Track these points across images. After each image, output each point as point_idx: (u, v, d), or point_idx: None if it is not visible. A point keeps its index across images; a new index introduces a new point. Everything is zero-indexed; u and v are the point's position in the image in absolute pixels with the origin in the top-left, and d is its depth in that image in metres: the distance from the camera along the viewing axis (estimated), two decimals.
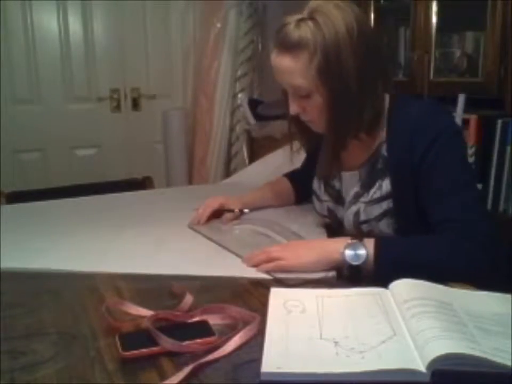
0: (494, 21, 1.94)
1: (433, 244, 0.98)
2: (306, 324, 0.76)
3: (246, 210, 1.32)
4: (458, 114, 1.97)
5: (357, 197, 1.15)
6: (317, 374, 0.63)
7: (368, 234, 1.09)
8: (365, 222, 1.13)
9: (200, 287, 0.93)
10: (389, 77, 1.15)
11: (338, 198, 1.21)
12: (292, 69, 1.03)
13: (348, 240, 0.98)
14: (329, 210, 1.23)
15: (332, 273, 0.97)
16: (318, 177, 1.26)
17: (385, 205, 1.10)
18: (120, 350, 0.70)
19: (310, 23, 1.01)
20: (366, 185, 1.13)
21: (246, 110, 2.94)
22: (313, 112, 1.08)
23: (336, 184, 1.21)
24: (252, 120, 2.90)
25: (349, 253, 0.96)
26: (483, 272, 0.94)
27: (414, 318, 0.72)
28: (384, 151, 1.10)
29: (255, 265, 1.01)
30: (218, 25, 2.96)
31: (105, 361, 0.69)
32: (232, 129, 3.08)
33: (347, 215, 1.17)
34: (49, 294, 0.92)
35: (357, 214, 1.14)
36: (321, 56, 1.00)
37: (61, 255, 1.12)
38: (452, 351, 0.62)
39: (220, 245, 1.15)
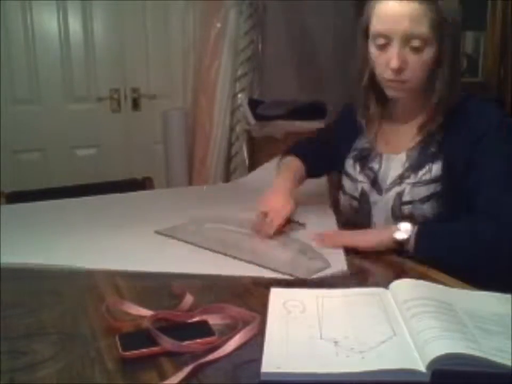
0: (494, 21, 1.94)
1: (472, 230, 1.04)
2: (306, 323, 0.76)
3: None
4: None
5: (402, 178, 1.16)
6: (317, 374, 0.63)
7: (408, 217, 1.13)
8: (409, 202, 1.14)
9: (201, 287, 0.93)
10: None
11: (374, 180, 1.22)
12: (420, 16, 1.04)
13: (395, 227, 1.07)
14: (363, 192, 1.23)
15: (343, 268, 1.01)
16: (354, 160, 1.28)
17: (432, 188, 1.11)
18: (120, 350, 0.70)
19: None
20: (415, 167, 1.15)
21: (246, 110, 2.94)
22: (417, 66, 1.08)
23: (375, 166, 1.22)
24: (252, 120, 2.90)
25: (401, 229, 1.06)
26: None
27: (414, 318, 0.72)
28: (438, 135, 1.13)
29: (333, 245, 1.10)
30: (218, 25, 2.96)
31: (105, 361, 0.69)
32: (232, 129, 3.08)
33: (386, 197, 1.18)
34: (49, 294, 0.92)
35: (399, 194, 1.15)
36: (448, 10, 1.06)
37: (61, 254, 1.12)
38: (452, 351, 0.62)
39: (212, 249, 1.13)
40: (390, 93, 1.15)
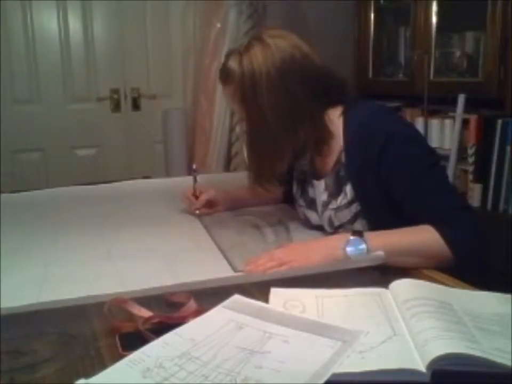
0: (494, 21, 1.94)
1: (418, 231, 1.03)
2: None
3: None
4: (458, 114, 1.97)
5: (325, 205, 1.20)
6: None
7: None
8: (340, 226, 1.18)
9: (201, 291, 0.92)
10: (341, 88, 1.19)
11: (311, 204, 1.25)
12: (226, 95, 1.18)
13: (348, 236, 1.01)
14: (305, 215, 1.28)
15: (379, 253, 0.99)
16: (297, 183, 1.31)
17: (354, 208, 1.15)
18: (120, 350, 0.70)
19: (237, 57, 1.10)
20: (334, 193, 1.17)
21: None
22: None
23: (310, 191, 1.25)
24: None
25: (350, 249, 0.99)
26: (469, 249, 1.00)
27: (414, 318, 0.72)
28: (343, 158, 1.15)
29: (266, 271, 0.99)
30: (218, 25, 2.96)
31: (105, 361, 0.69)
32: (232, 129, 3.08)
33: (322, 221, 1.22)
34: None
35: (330, 220, 1.19)
36: (240, 90, 1.10)
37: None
38: (452, 351, 0.62)
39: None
40: None
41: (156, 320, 0.79)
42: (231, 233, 1.23)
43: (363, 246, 0.99)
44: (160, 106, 3.07)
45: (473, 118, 1.95)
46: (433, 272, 0.98)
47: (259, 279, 0.96)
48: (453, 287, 0.87)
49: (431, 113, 2.31)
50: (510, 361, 0.62)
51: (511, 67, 1.90)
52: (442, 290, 0.83)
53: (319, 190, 1.21)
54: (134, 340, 0.72)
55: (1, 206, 1.48)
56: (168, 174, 3.04)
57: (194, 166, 1.45)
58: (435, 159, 1.12)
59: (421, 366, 0.63)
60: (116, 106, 3.05)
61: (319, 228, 1.25)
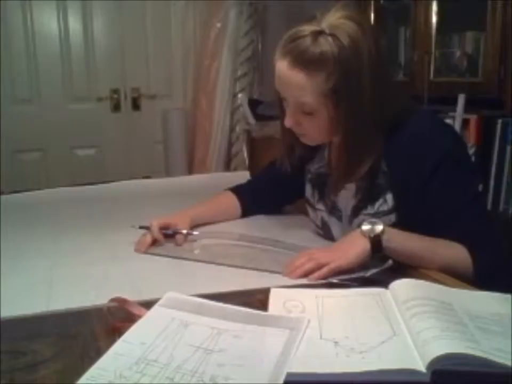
0: (494, 21, 1.94)
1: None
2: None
3: (195, 233, 1.20)
4: (458, 114, 1.97)
5: (357, 210, 1.12)
6: (317, 374, 0.63)
7: None
8: None
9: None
10: (397, 90, 1.13)
11: (332, 209, 1.18)
12: (304, 86, 0.99)
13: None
14: (323, 221, 1.21)
15: (389, 263, 0.96)
16: (312, 186, 1.24)
17: (393, 218, 1.08)
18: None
19: (330, 39, 0.96)
20: (369, 198, 1.10)
21: (246, 110, 2.94)
22: (311, 128, 1.06)
23: (332, 195, 1.18)
24: (251, 120, 2.90)
25: (366, 227, 0.98)
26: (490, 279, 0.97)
27: (414, 318, 0.72)
28: (383, 165, 1.08)
29: (305, 275, 0.95)
30: (218, 25, 2.96)
31: None
32: (232, 129, 3.08)
33: (349, 228, 1.13)
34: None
35: (360, 226, 1.09)
36: (339, 76, 0.97)
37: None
38: (452, 351, 0.62)
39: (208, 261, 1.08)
40: (302, 141, 1.12)
41: None
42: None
43: (380, 226, 0.97)
44: (160, 106, 3.07)
45: (473, 118, 1.95)
46: (433, 272, 0.98)
47: (306, 282, 0.94)
48: (453, 287, 0.87)
49: None
50: (510, 361, 0.62)
51: (511, 67, 1.90)
52: (442, 290, 0.83)
53: (348, 193, 1.13)
54: None
55: (1, 206, 1.48)
56: (168, 174, 3.04)
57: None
58: (478, 184, 1.10)
59: (421, 366, 0.63)
60: (116, 106, 3.06)
61: (331, 238, 1.19)
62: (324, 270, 0.94)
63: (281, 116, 1.11)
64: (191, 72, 3.08)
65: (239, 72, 3.05)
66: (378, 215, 1.09)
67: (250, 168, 2.91)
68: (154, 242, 1.16)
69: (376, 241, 0.96)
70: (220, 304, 0.78)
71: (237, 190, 1.38)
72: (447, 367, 0.62)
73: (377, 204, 1.10)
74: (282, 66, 1.01)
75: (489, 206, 1.91)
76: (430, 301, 0.76)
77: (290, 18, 3.11)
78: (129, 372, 0.62)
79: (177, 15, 3.05)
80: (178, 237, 1.17)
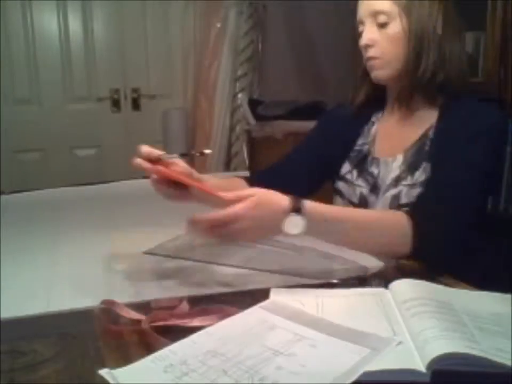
0: (494, 21, 1.94)
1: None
2: None
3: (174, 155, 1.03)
4: None
5: (398, 180, 1.14)
6: None
7: None
8: (406, 205, 1.11)
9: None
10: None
11: (374, 185, 1.19)
12: None
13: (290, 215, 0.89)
14: (361, 196, 1.20)
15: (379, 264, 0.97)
16: (351, 163, 1.24)
17: None
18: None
19: None
20: (411, 168, 1.12)
21: (246, 110, 2.94)
22: (385, 44, 1.11)
23: (375, 170, 1.19)
24: (252, 120, 2.90)
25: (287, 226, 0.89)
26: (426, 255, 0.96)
27: (414, 318, 0.72)
28: (432, 134, 1.12)
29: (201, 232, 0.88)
30: (218, 25, 2.96)
31: (105, 362, 0.69)
32: (232, 129, 3.08)
33: (384, 199, 1.14)
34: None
35: (396, 197, 1.12)
36: None
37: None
38: (452, 351, 0.62)
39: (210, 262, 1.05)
40: (372, 75, 1.17)
41: (159, 321, 0.79)
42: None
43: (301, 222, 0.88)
44: (160, 106, 3.07)
45: None
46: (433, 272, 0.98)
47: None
48: (453, 287, 0.87)
49: None
50: (510, 361, 0.62)
51: (511, 67, 1.90)
52: (442, 290, 0.83)
53: (393, 166, 1.15)
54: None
55: (1, 206, 1.48)
56: None
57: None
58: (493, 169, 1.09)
59: (421, 366, 0.63)
60: (116, 106, 3.06)
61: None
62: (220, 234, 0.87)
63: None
64: (191, 72, 3.08)
65: (239, 72, 3.05)
66: (415, 185, 1.10)
67: (250, 168, 2.91)
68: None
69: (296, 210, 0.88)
70: (318, 317, 0.77)
71: (251, 177, 1.33)
72: (447, 367, 0.62)
73: (417, 174, 1.11)
74: None
75: (489, 206, 1.91)
76: (430, 301, 0.76)
77: (290, 18, 3.11)
78: (193, 360, 0.64)
79: (177, 15, 3.05)
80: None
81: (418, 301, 0.76)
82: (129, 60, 3.04)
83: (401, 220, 0.98)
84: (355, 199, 1.22)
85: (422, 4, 1.09)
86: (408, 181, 1.12)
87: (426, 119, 1.14)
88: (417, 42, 1.09)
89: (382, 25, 1.10)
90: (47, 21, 2.88)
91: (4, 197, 1.63)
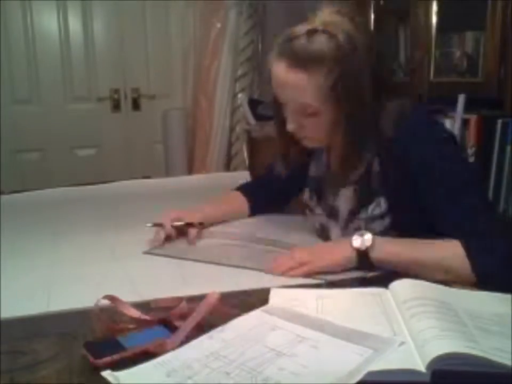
0: (494, 21, 1.94)
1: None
2: None
3: (211, 229, 1.22)
4: (458, 114, 1.97)
5: (353, 214, 1.11)
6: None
7: None
8: None
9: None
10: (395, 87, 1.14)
11: (331, 213, 1.17)
12: (305, 86, 0.97)
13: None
14: (321, 225, 1.20)
15: (371, 274, 0.97)
16: (311, 189, 1.23)
17: (387, 222, 1.07)
18: (91, 359, 0.67)
19: (324, 36, 0.96)
20: (364, 202, 1.09)
21: (246, 110, 2.94)
22: (314, 129, 1.04)
23: (330, 198, 1.17)
24: (252, 120, 2.90)
25: (356, 240, 0.98)
26: (492, 277, 0.93)
27: (414, 318, 0.72)
28: (376, 165, 1.07)
29: (285, 272, 0.98)
30: (218, 25, 2.96)
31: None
32: (232, 129, 3.08)
33: (346, 231, 1.12)
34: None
35: (358, 230, 1.08)
36: (338, 72, 0.95)
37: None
38: (452, 351, 0.62)
39: (204, 261, 1.08)
40: (303, 143, 1.10)
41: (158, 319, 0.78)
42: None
43: (368, 239, 0.97)
44: (160, 106, 3.07)
45: (473, 118, 1.95)
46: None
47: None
48: (453, 287, 0.87)
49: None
50: (510, 361, 0.62)
51: (511, 67, 1.90)
52: (442, 290, 0.83)
53: (346, 197, 1.12)
54: (104, 347, 0.69)
55: (1, 206, 1.48)
56: (168, 174, 3.04)
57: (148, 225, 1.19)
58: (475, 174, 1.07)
59: (421, 366, 0.63)
60: (116, 106, 3.06)
61: (325, 239, 1.18)
62: (304, 269, 0.97)
63: (276, 120, 1.12)
64: (191, 72, 3.08)
65: (239, 72, 3.05)
66: (372, 219, 1.08)
67: (250, 168, 2.91)
68: (168, 238, 1.17)
69: (363, 252, 0.97)
70: (321, 318, 0.77)
71: (244, 190, 1.39)
72: (447, 367, 0.62)
73: (370, 208, 1.08)
74: (279, 69, 1.00)
75: None
76: (430, 301, 0.76)
77: (290, 18, 3.11)
78: (196, 363, 0.65)
79: (177, 15, 3.05)
80: (190, 230, 1.18)
81: (418, 301, 0.76)
82: (129, 60, 3.04)
83: (461, 255, 0.95)
84: (317, 226, 1.22)
85: (356, 86, 0.97)
86: (363, 214, 1.09)
87: (371, 146, 1.06)
88: (348, 127, 1.01)
89: (310, 114, 1.01)
90: (47, 21, 2.88)
91: (3, 197, 1.63)
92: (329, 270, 0.98)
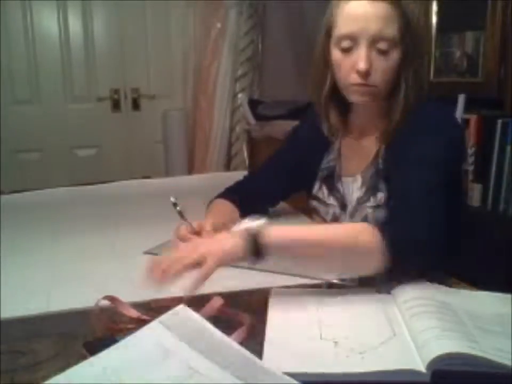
0: (494, 21, 1.94)
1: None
2: (306, 324, 0.76)
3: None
4: (458, 114, 1.97)
5: (361, 203, 1.11)
6: (317, 374, 0.63)
7: None
8: None
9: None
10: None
11: (342, 203, 1.16)
12: (390, 16, 1.00)
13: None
14: (334, 216, 1.18)
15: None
16: (320, 181, 1.21)
17: None
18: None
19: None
20: (372, 189, 1.09)
21: (246, 110, 2.94)
22: (383, 72, 1.03)
23: (340, 188, 1.17)
24: (252, 120, 2.90)
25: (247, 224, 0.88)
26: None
27: (414, 318, 0.73)
28: (383, 152, 1.08)
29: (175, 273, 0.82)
30: (218, 25, 2.96)
31: None
32: (232, 129, 3.08)
33: (353, 221, 1.11)
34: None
35: (364, 219, 1.09)
36: (406, 18, 1.02)
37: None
38: (452, 351, 0.62)
39: None
40: (355, 98, 1.07)
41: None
42: None
43: (260, 222, 0.87)
44: (160, 106, 3.07)
45: (473, 118, 1.95)
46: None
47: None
48: (453, 287, 0.87)
49: None
50: (510, 361, 0.62)
51: (511, 67, 1.90)
52: (442, 290, 0.83)
53: (354, 186, 1.13)
54: (103, 347, 0.68)
55: (1, 206, 1.48)
56: (168, 174, 3.04)
57: (172, 199, 1.07)
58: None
59: (421, 366, 0.63)
60: (116, 106, 3.06)
61: None
62: (202, 272, 0.82)
63: (321, 82, 1.11)
64: (191, 72, 3.07)
65: (239, 72, 3.05)
66: (380, 207, 1.07)
67: (250, 168, 2.91)
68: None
69: (252, 238, 0.85)
70: (220, 339, 0.68)
71: (227, 195, 1.30)
72: (447, 367, 0.62)
73: (379, 195, 1.08)
74: (362, 2, 1.02)
75: (489, 206, 1.91)
76: (430, 301, 0.76)
77: (290, 18, 3.11)
78: None
79: (177, 15, 3.05)
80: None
81: (419, 301, 0.77)
82: (129, 60, 3.04)
83: (367, 228, 0.91)
84: (328, 218, 1.20)
85: (419, 31, 1.06)
86: (371, 202, 1.09)
87: (392, 129, 1.08)
88: (415, 73, 1.05)
89: (383, 52, 1.01)
90: (47, 21, 2.88)
91: (3, 197, 1.63)
92: (223, 261, 0.84)
